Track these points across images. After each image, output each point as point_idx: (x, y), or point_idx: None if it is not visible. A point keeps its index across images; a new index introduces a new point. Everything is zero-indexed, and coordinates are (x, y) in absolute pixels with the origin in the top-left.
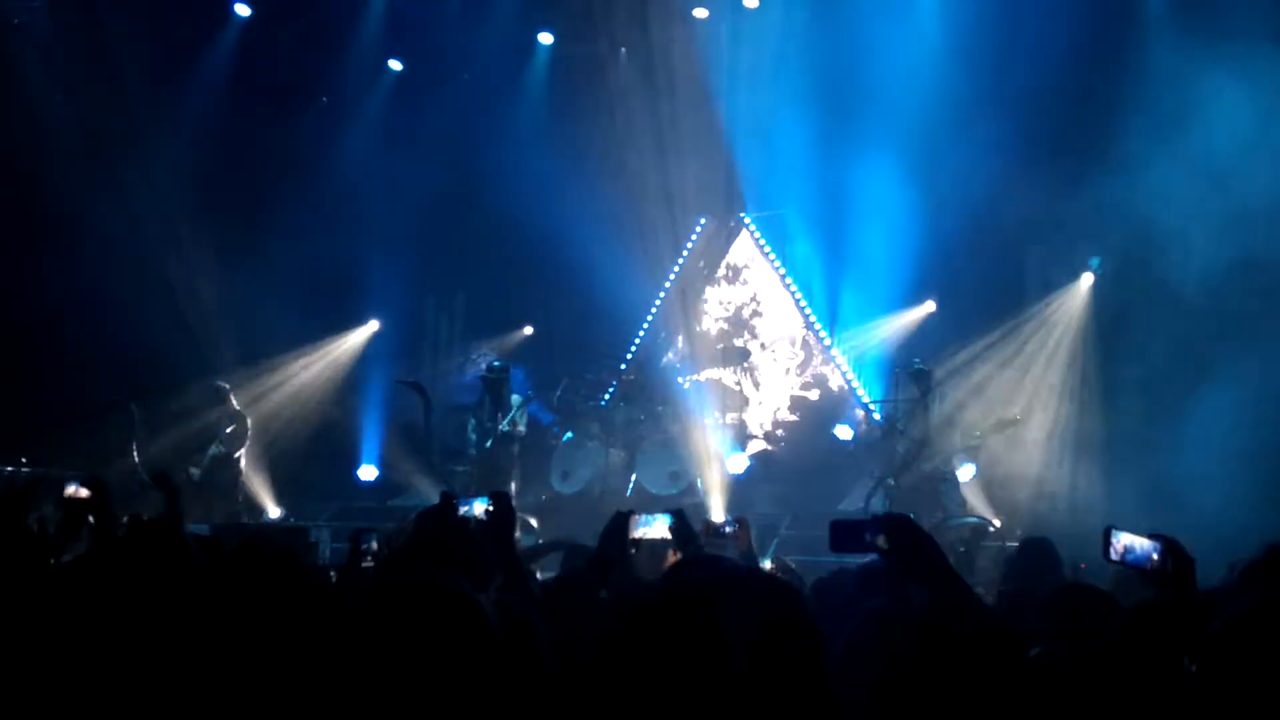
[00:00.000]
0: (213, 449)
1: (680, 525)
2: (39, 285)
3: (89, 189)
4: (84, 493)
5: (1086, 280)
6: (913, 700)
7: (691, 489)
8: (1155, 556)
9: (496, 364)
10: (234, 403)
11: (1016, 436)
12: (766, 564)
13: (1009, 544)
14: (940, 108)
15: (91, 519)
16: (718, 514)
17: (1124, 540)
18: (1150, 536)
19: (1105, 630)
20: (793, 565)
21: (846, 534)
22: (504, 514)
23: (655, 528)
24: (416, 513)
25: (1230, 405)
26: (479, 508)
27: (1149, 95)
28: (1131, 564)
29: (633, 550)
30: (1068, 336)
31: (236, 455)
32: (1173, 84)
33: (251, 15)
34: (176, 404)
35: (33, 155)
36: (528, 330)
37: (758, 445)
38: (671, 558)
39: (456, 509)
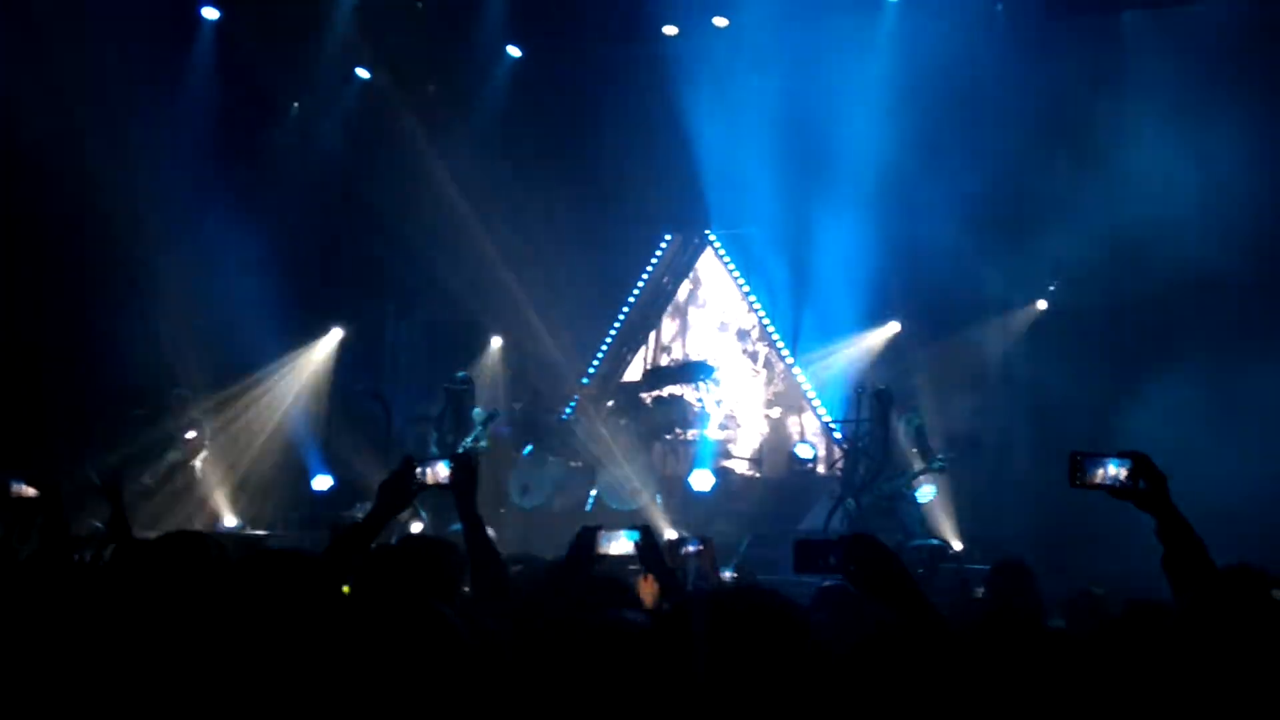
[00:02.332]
0: (169, 456)
1: (647, 542)
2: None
3: (46, 195)
4: (30, 492)
5: (1041, 305)
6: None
7: (652, 505)
8: (1124, 474)
9: (460, 376)
10: (193, 410)
11: (976, 460)
12: (726, 574)
13: (968, 566)
14: (905, 129)
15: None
16: (679, 531)
17: (1091, 463)
18: (1119, 455)
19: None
20: (756, 576)
21: (811, 554)
22: (466, 476)
23: (621, 544)
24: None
25: (1182, 429)
26: (441, 470)
27: (1102, 129)
28: (1100, 484)
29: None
30: (1022, 359)
31: (193, 463)
32: (1121, 121)
33: (221, 18)
34: (136, 410)
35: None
36: (497, 341)
37: (719, 462)
38: (644, 583)
39: (414, 472)
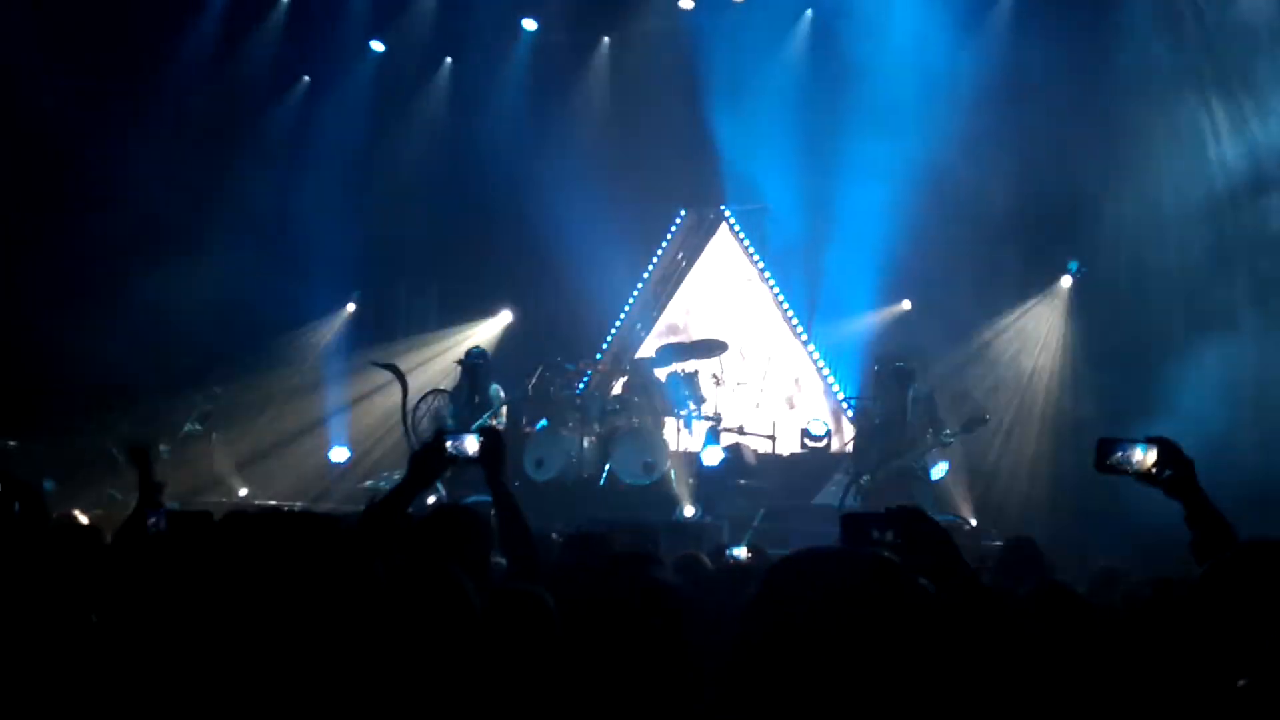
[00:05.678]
0: (185, 427)
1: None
2: (18, 267)
3: (67, 168)
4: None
5: (1065, 283)
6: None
7: (665, 480)
8: (1150, 460)
9: (476, 350)
10: (208, 382)
11: (987, 435)
12: (742, 551)
13: (985, 543)
14: (923, 105)
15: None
16: (688, 506)
17: (1117, 448)
18: (1146, 440)
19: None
20: (768, 552)
21: (857, 528)
22: (495, 449)
23: (470, 443)
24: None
25: (1209, 403)
26: (471, 443)
27: (1130, 97)
28: (1126, 470)
29: None
30: (1044, 338)
31: (209, 434)
32: (1150, 88)
33: None
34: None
35: (9, 134)
36: (506, 315)
37: (732, 438)
38: None
39: (445, 445)
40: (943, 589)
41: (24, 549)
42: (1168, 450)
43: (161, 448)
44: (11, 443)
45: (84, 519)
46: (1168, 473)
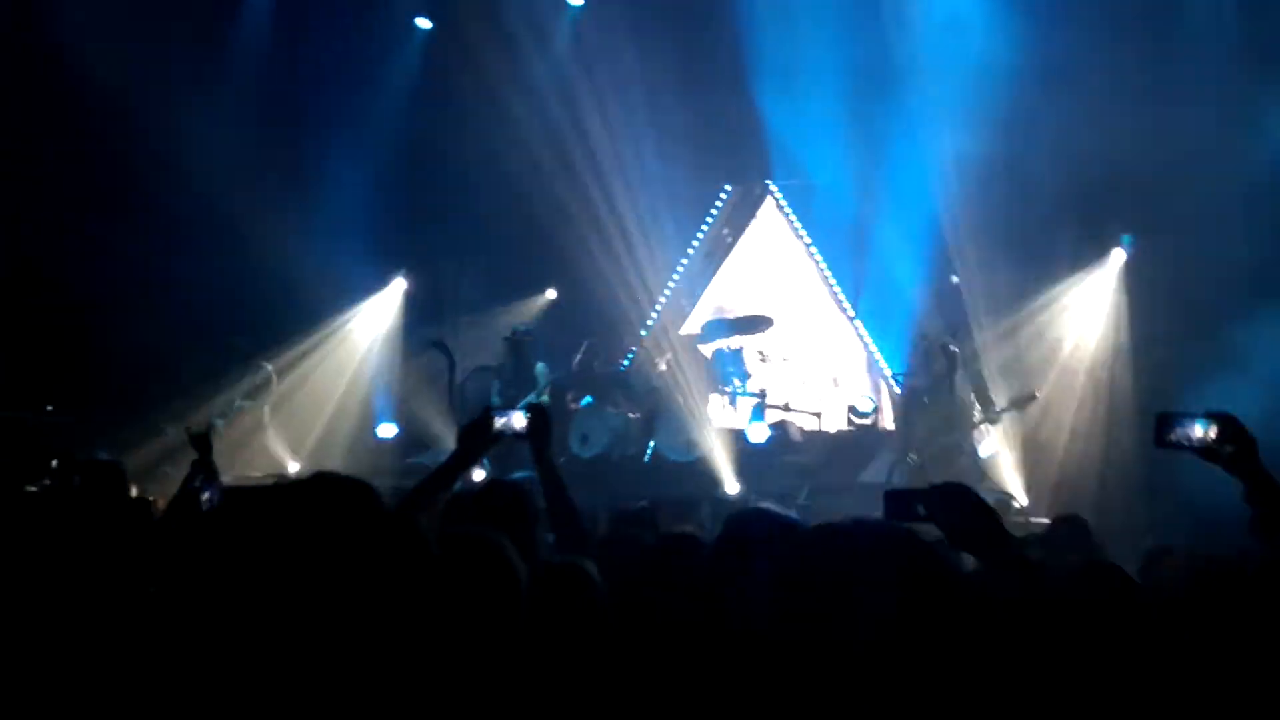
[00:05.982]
0: (236, 403)
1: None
2: (82, 242)
3: (128, 148)
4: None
5: (1118, 257)
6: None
7: (709, 457)
8: (1211, 435)
9: (521, 328)
10: (257, 358)
11: (1039, 412)
12: None
13: (1034, 520)
14: (974, 79)
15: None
16: (732, 483)
17: (1177, 423)
18: (1206, 415)
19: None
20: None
21: (900, 503)
22: (541, 425)
23: (517, 418)
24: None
25: (1273, 378)
26: (517, 419)
27: (1188, 69)
28: (1186, 445)
29: None
30: (1098, 314)
31: (260, 410)
32: (1208, 58)
33: None
34: (203, 359)
35: (73, 113)
36: (550, 294)
37: (778, 415)
38: None
39: (492, 421)
40: (987, 566)
41: (88, 522)
42: (1229, 425)
43: (217, 420)
44: (67, 417)
45: (133, 490)
46: (1228, 449)
